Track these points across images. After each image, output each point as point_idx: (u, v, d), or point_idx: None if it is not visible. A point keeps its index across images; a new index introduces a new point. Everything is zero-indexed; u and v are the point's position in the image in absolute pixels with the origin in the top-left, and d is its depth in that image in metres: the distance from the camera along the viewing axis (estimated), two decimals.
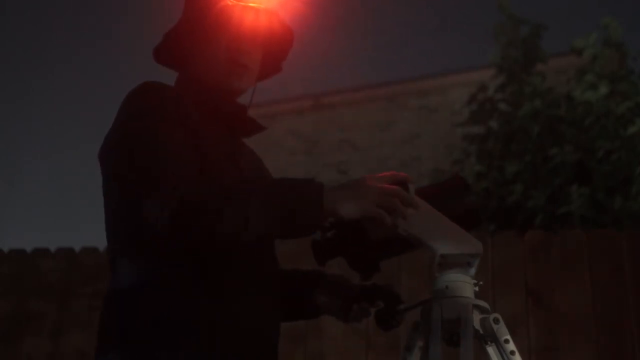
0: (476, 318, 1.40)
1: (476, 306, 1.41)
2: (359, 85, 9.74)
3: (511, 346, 1.39)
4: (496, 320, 1.40)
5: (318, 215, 1.38)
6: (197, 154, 1.50)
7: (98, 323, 1.51)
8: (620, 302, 3.25)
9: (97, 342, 1.50)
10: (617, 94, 6.34)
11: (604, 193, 5.84)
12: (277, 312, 1.62)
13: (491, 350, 1.41)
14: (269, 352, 1.57)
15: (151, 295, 1.46)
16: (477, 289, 1.44)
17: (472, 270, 1.43)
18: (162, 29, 1.74)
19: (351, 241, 1.48)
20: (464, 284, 1.42)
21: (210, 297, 1.48)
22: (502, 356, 1.39)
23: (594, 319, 3.23)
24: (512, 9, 6.88)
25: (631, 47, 6.72)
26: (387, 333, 1.50)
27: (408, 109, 9.21)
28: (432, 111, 9.05)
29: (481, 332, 1.40)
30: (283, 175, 1.54)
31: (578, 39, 6.78)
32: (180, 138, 1.48)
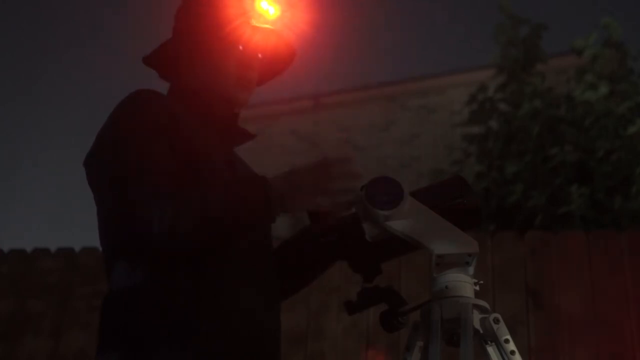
0: (476, 318, 1.40)
1: (476, 306, 1.40)
2: (359, 85, 9.74)
3: (511, 346, 1.38)
4: (496, 320, 1.39)
5: (267, 215, 1.45)
6: (188, 162, 1.51)
7: (98, 324, 1.52)
8: (620, 302, 3.26)
9: (98, 342, 1.50)
10: (617, 94, 6.34)
11: (604, 193, 5.84)
12: (277, 311, 1.62)
13: (491, 350, 1.41)
14: (271, 351, 1.57)
15: (149, 296, 1.47)
16: (477, 288, 1.44)
17: (471, 270, 1.43)
18: (162, 31, 1.75)
19: (352, 244, 1.48)
20: (463, 283, 1.42)
21: (208, 297, 1.48)
22: (502, 356, 1.39)
23: (594, 319, 3.23)
24: (512, 9, 6.88)
25: (631, 47, 6.72)
26: (387, 333, 1.50)
27: (408, 109, 9.20)
28: (432, 111, 9.04)
29: (481, 331, 1.40)
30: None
31: (578, 39, 6.77)
32: (167, 147, 1.49)
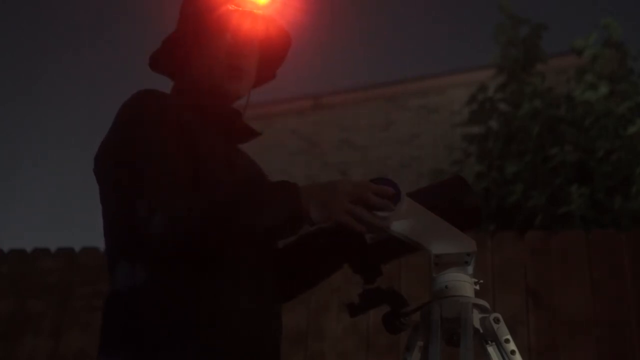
0: (476, 317, 1.40)
1: (476, 305, 1.41)
2: (359, 85, 9.73)
3: (511, 346, 1.39)
4: (496, 320, 1.39)
5: (295, 217, 1.42)
6: (194, 161, 1.51)
7: (100, 324, 1.52)
8: (620, 302, 3.25)
9: (100, 343, 1.50)
10: (617, 94, 6.34)
11: (604, 193, 5.83)
12: (277, 312, 1.62)
13: (491, 349, 1.41)
14: (271, 352, 1.57)
15: (150, 297, 1.47)
16: (477, 287, 1.44)
17: (470, 269, 1.43)
18: (162, 31, 1.75)
19: (352, 245, 1.48)
20: (463, 283, 1.42)
21: (208, 297, 1.48)
22: (502, 356, 1.39)
23: (594, 319, 3.23)
24: (512, 9, 6.88)
25: (631, 47, 6.72)
26: (387, 333, 1.50)
27: (408, 109, 9.20)
28: (432, 111, 9.04)
29: (481, 331, 1.40)
30: (283, 176, 1.55)
31: (578, 39, 6.77)
32: (175, 146, 1.49)
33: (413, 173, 8.19)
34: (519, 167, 6.15)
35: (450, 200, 1.50)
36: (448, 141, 7.68)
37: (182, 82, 1.72)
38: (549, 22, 7.07)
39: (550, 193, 5.87)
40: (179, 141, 1.51)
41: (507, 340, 1.39)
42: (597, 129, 6.12)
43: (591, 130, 6.15)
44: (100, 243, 1.61)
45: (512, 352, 1.38)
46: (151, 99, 1.57)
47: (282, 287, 1.65)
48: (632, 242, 3.39)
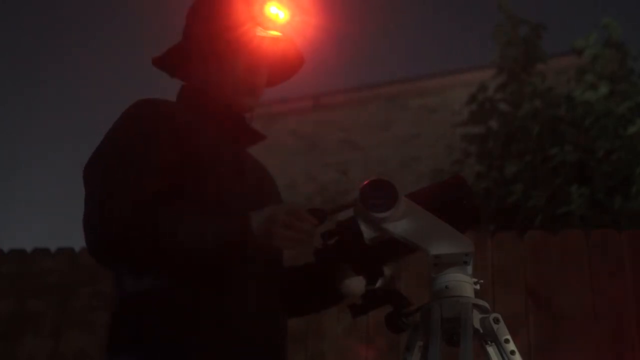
0: (476, 317, 1.40)
1: (476, 305, 1.41)
2: (359, 85, 9.74)
3: (511, 346, 1.39)
4: (496, 320, 1.40)
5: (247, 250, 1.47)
6: (196, 166, 1.53)
7: (107, 325, 1.53)
8: (620, 302, 3.25)
9: (108, 344, 1.51)
10: (617, 94, 6.33)
11: (604, 193, 5.83)
12: (281, 313, 1.63)
13: (491, 350, 1.41)
14: (275, 351, 1.58)
15: (157, 302, 1.48)
16: (477, 287, 1.44)
17: (469, 269, 1.43)
18: (162, 33, 1.75)
19: (352, 247, 1.48)
20: (463, 283, 1.42)
21: (214, 303, 1.49)
22: (502, 356, 1.39)
23: (594, 319, 3.22)
24: (511, 9, 6.88)
25: (631, 47, 6.72)
26: (387, 333, 1.51)
27: (408, 109, 9.20)
28: (432, 111, 9.04)
29: (481, 331, 1.40)
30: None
31: (578, 39, 6.77)
32: (153, 165, 1.51)
33: (413, 173, 8.19)
34: (519, 167, 6.15)
35: (449, 200, 1.50)
36: (448, 141, 7.67)
37: (189, 87, 1.74)
38: (549, 22, 7.10)
39: (550, 193, 5.87)
40: (172, 153, 1.52)
41: (506, 341, 1.39)
42: (597, 129, 6.11)
43: (591, 130, 6.15)
44: None
45: (512, 352, 1.38)
46: (145, 114, 1.59)
47: (295, 304, 1.67)
48: (632, 242, 3.39)
